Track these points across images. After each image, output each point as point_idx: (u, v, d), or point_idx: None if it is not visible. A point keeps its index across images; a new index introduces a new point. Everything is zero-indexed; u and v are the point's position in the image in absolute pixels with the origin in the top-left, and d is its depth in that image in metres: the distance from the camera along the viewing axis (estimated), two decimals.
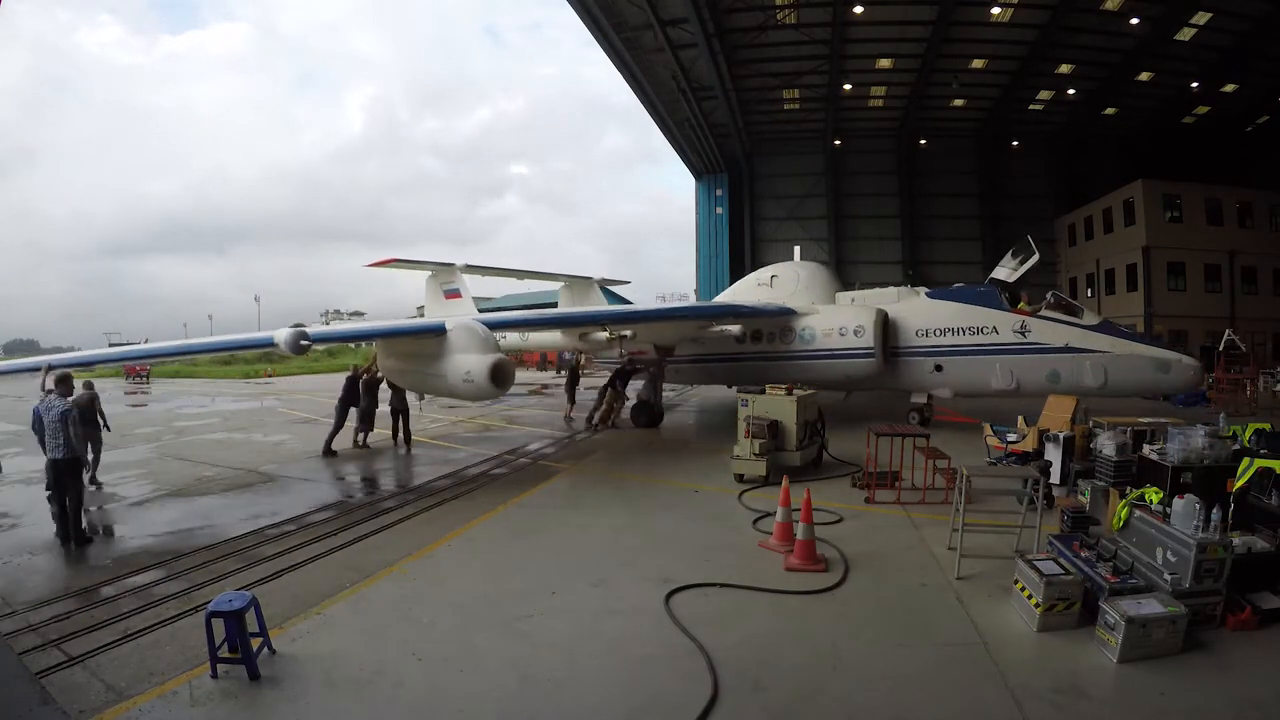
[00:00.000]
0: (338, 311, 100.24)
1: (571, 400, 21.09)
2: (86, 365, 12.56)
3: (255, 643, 5.42)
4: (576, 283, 24.07)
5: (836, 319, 16.83)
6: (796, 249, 23.95)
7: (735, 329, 17.09)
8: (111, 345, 56.16)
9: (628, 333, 16.68)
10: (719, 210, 42.61)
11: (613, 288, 25.03)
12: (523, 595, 6.86)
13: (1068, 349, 14.68)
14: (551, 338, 20.24)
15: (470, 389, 11.04)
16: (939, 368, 16.02)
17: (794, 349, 17.13)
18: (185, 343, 10.89)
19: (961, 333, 15.80)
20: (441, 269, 22.52)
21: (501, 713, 4.88)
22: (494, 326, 12.48)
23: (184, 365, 44.29)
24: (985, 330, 15.53)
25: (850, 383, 17.10)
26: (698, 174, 43.68)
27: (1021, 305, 15.66)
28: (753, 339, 17.64)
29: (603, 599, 6.79)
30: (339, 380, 16.39)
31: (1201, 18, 26.89)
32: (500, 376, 10.93)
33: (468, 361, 11.01)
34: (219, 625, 5.26)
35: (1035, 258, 15.67)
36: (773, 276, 19.15)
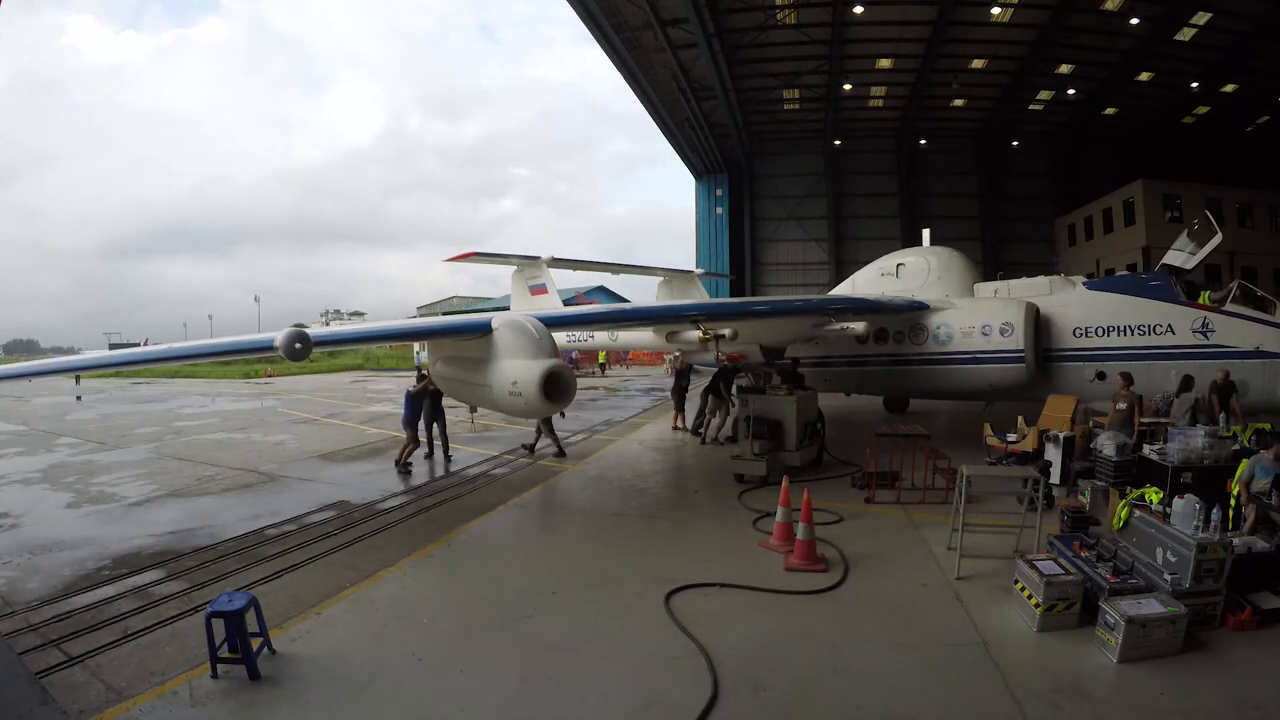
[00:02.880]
0: (338, 311, 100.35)
1: (680, 407, 17.82)
2: (90, 369, 11.78)
3: (255, 643, 5.43)
4: (676, 276, 22.41)
5: (978, 315, 14.20)
6: (926, 233, 20.92)
7: (859, 327, 14.77)
8: (111, 346, 56.12)
9: (726, 331, 13.84)
10: (719, 210, 42.54)
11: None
12: (523, 595, 6.88)
13: (1259, 353, 11.96)
14: (642, 337, 18.18)
15: (518, 404, 8.62)
16: (1101, 375, 13.26)
17: (927, 351, 14.62)
18: (180, 346, 10.04)
19: (1129, 332, 13.23)
20: (526, 263, 20.79)
21: (501, 713, 4.89)
22: (554, 324, 9.87)
23: (183, 365, 44.35)
24: (1158, 329, 12.92)
25: (994, 392, 14.44)
26: (698, 174, 43.65)
27: (1203, 298, 13.03)
28: (877, 339, 15.23)
29: (603, 599, 6.81)
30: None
31: (1201, 18, 26.84)
32: (555, 389, 8.33)
33: (515, 369, 8.61)
34: (219, 625, 5.27)
35: (1217, 238, 13.18)
36: (899, 265, 16.41)
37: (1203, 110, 35.46)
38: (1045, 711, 4.85)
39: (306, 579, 7.47)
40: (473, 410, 13.52)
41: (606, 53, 29.87)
